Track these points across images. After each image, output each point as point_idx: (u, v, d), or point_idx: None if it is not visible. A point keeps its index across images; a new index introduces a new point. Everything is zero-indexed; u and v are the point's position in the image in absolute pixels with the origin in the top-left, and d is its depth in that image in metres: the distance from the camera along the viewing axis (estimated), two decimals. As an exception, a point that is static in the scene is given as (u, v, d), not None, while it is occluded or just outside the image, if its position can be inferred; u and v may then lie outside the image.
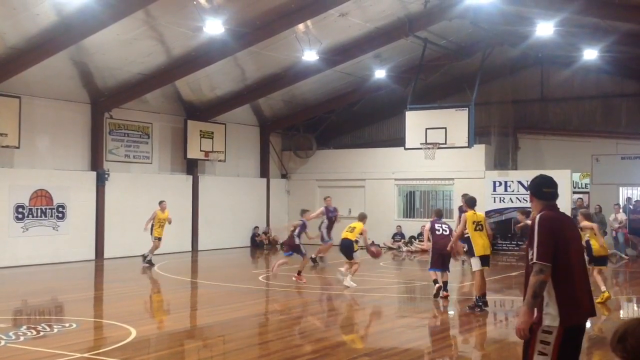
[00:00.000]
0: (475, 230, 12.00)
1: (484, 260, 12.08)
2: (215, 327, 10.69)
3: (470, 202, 12.45)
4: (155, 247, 19.04)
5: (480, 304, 11.92)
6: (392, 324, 11.28)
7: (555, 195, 5.21)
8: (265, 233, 26.10)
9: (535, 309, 4.91)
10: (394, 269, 20.13)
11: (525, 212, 15.28)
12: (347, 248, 14.75)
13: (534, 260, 4.85)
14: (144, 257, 18.89)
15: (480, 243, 12.00)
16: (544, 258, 4.88)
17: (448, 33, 21.27)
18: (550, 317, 4.86)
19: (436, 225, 13.29)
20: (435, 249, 13.22)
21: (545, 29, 18.35)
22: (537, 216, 5.05)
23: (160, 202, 19.13)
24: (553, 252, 4.88)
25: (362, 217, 15.29)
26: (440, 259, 13.05)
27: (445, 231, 13.27)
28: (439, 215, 13.94)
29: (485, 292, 12.08)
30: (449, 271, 13.39)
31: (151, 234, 18.93)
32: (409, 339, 10.16)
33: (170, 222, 19.09)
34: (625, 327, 2.73)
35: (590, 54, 20.72)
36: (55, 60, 17.77)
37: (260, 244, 25.56)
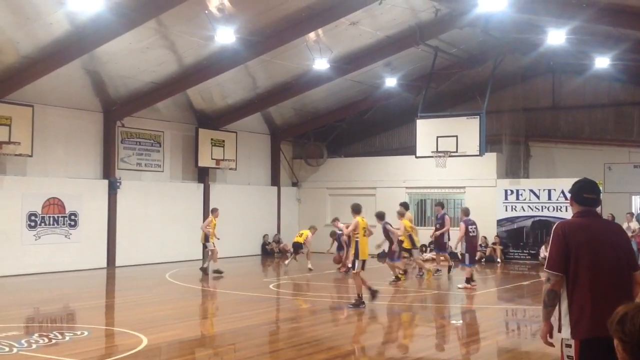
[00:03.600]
0: (364, 235, 13.08)
1: (365, 264, 13.23)
2: (227, 335, 10.69)
3: (355, 209, 13.40)
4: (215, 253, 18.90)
5: (363, 301, 12.91)
6: (404, 333, 11.24)
7: (595, 202, 5.03)
8: (276, 242, 26.09)
9: (556, 320, 4.83)
10: (405, 278, 20.03)
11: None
12: (296, 249, 20.19)
13: (544, 269, 4.80)
14: (207, 269, 18.83)
15: (365, 248, 13.13)
16: (551, 266, 4.83)
17: (459, 41, 21.26)
18: (565, 328, 4.76)
19: (470, 227, 15.85)
20: (472, 246, 15.84)
21: (556, 37, 18.30)
22: (556, 223, 4.99)
23: (215, 210, 19.58)
24: (564, 260, 4.76)
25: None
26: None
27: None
28: (468, 214, 16.40)
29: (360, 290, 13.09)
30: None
31: (207, 241, 18.86)
32: (420, 348, 10.12)
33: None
34: (625, 311, 2.76)
35: (602, 62, 20.63)
36: (68, 69, 17.90)
37: (271, 252, 25.55)
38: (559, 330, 4.88)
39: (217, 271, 18.52)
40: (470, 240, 16.05)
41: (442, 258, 19.38)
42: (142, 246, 20.75)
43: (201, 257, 23.25)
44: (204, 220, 23.56)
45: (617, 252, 4.91)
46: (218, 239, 19.11)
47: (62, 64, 17.21)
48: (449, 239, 19.01)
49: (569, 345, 4.73)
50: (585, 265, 4.75)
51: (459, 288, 15.72)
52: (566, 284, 4.79)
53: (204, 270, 18.73)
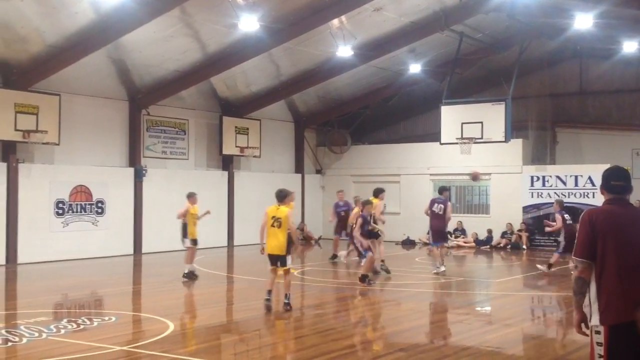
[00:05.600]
0: (272, 226, 11.23)
1: (270, 258, 11.34)
2: (251, 321, 10.77)
3: (279, 196, 11.45)
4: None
5: (287, 301, 11.23)
6: (428, 320, 11.23)
7: (625, 189, 4.99)
8: (300, 229, 26.15)
9: (586, 308, 4.82)
10: (430, 265, 20.01)
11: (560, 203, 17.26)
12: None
13: (572, 256, 4.80)
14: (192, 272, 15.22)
15: (270, 241, 11.25)
16: (578, 253, 4.85)
17: (484, 26, 21.04)
18: (595, 315, 4.75)
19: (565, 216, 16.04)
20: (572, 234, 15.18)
21: (584, 21, 18.03)
22: (584, 211, 4.99)
23: (191, 195, 15.46)
24: (591, 248, 4.77)
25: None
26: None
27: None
28: (563, 205, 16.63)
29: (271, 289, 11.37)
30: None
31: (185, 236, 15.19)
32: (445, 335, 10.11)
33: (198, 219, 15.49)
34: None
35: (630, 47, 20.32)
36: (93, 58, 18.05)
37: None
38: (589, 319, 4.87)
39: (189, 275, 14.91)
40: (569, 228, 15.98)
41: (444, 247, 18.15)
42: (167, 233, 20.88)
43: (226, 244, 23.45)
44: (227, 208, 23.72)
45: None
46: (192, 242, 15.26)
47: (88, 53, 17.35)
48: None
49: (598, 332, 4.72)
50: (612, 252, 4.74)
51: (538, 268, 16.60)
52: (595, 271, 4.78)
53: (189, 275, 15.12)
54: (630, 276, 4.71)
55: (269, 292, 11.32)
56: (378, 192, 16.60)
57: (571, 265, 18.37)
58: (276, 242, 11.21)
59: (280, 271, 11.39)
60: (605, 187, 5.02)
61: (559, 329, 10.65)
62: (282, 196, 11.47)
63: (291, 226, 11.35)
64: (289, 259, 11.33)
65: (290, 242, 11.33)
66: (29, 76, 17.63)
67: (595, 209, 4.97)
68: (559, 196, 22.64)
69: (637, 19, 18.08)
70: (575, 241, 4.92)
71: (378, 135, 28.42)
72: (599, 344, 4.71)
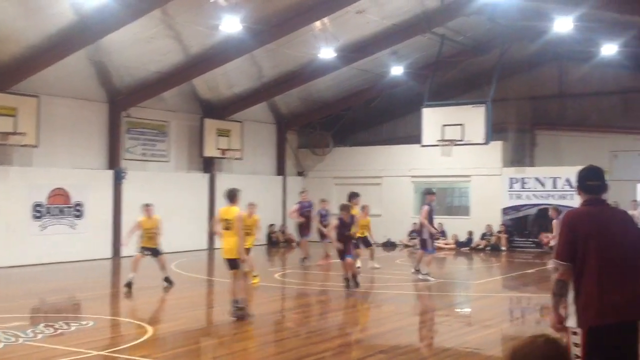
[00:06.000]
0: (225, 229, 10.68)
1: (228, 263, 10.81)
2: (231, 325, 10.71)
3: (229, 196, 10.84)
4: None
5: (238, 307, 10.60)
6: (409, 321, 11.25)
7: (602, 188, 4.99)
8: (282, 231, 26.11)
9: (564, 310, 4.83)
10: (411, 266, 20.05)
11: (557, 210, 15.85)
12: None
13: (552, 258, 4.82)
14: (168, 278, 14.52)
15: (223, 245, 10.80)
16: (559, 256, 4.84)
17: (465, 29, 21.15)
18: (572, 317, 4.76)
19: None
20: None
21: (563, 24, 18.17)
22: (564, 212, 5.02)
23: (146, 207, 14.59)
24: (571, 250, 4.76)
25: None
26: None
27: None
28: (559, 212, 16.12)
29: (235, 297, 10.64)
30: None
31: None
32: (425, 336, 10.13)
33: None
34: (515, 349, 2.67)
35: (609, 49, 20.50)
36: (73, 60, 17.89)
37: (276, 242, 25.57)
38: (566, 320, 4.88)
39: (127, 285, 13.80)
40: None
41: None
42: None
43: (206, 248, 23.32)
44: (208, 211, 23.54)
45: (625, 239, 4.89)
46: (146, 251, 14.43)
47: (67, 54, 17.19)
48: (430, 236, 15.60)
49: (575, 333, 4.73)
50: (592, 253, 4.73)
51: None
52: (574, 273, 4.78)
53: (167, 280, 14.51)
54: (610, 278, 4.71)
55: (235, 301, 10.65)
56: (351, 197, 15.82)
57: (550, 266, 18.52)
58: (228, 245, 10.62)
59: (236, 273, 10.74)
60: (582, 187, 5.02)
61: (537, 329, 10.71)
62: (232, 196, 10.76)
63: (240, 229, 10.45)
64: (242, 263, 10.75)
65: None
66: (7, 77, 17.41)
67: (574, 211, 4.98)
68: (538, 198, 22.85)
69: (616, 22, 18.26)
70: (556, 243, 4.93)
71: (360, 137, 28.46)
72: (576, 344, 4.72)
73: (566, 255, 4.79)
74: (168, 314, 12.34)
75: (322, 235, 18.44)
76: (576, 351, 4.71)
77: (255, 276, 14.51)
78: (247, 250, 13.48)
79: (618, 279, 4.72)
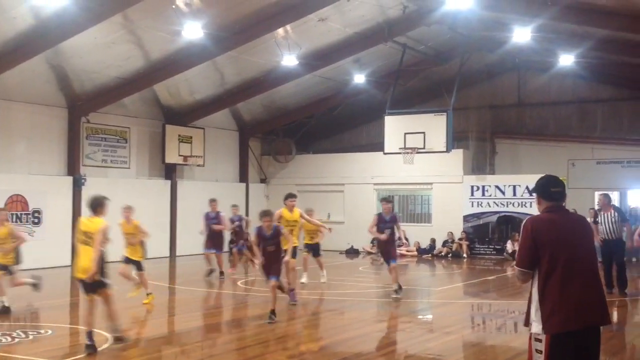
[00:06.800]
0: (83, 243, 8.88)
1: (84, 285, 8.90)
2: (194, 332, 10.63)
3: (92, 205, 9.11)
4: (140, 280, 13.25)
5: (117, 335, 9.24)
6: (371, 328, 11.29)
7: (562, 195, 5.03)
8: (244, 239, 25.92)
9: (526, 316, 4.91)
10: (373, 274, 20.16)
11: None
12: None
13: (513, 265, 4.88)
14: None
15: (79, 263, 8.91)
16: (520, 263, 4.89)
17: (427, 38, 21.40)
18: (537, 324, 4.78)
19: None
20: None
21: (522, 35, 18.52)
22: (524, 220, 5.01)
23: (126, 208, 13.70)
24: (533, 256, 4.80)
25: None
26: None
27: None
28: None
29: (90, 330, 8.71)
30: None
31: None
32: (387, 343, 10.18)
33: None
34: None
35: (567, 60, 20.95)
36: (31, 64, 17.61)
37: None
38: (526, 324, 4.94)
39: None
40: None
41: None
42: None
43: (168, 255, 23.08)
44: (170, 218, 23.33)
45: (587, 246, 5.00)
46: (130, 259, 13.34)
47: (26, 58, 16.92)
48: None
49: (539, 340, 4.75)
50: (555, 260, 4.77)
51: None
52: (537, 280, 4.81)
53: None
54: (573, 284, 4.75)
55: (89, 333, 8.68)
56: (286, 198, 13.81)
57: (510, 273, 18.78)
58: (85, 263, 8.74)
59: (98, 297, 8.92)
60: (544, 195, 5.03)
61: (498, 336, 10.85)
62: (96, 205, 8.94)
63: (99, 245, 8.68)
64: (104, 280, 8.91)
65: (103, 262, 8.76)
66: (-37, 81, 17.09)
67: (536, 218, 4.98)
68: (498, 205, 23.18)
69: (574, 33, 18.65)
70: (518, 250, 4.96)
71: (323, 145, 28.54)
72: (538, 351, 4.75)
73: (528, 263, 4.83)
74: (128, 322, 12.16)
75: (232, 242, 18.69)
76: (538, 358, 4.75)
77: (149, 294, 12.87)
78: (138, 263, 12.78)
79: (581, 285, 4.77)
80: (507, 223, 23.27)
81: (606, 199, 14.72)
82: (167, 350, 9.59)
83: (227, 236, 18.85)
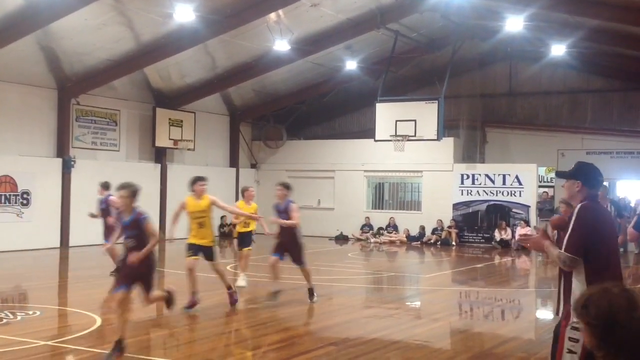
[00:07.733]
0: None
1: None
2: (182, 315, 10.63)
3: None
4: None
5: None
6: (359, 314, 11.34)
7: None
8: (233, 224, 25.93)
9: (564, 306, 4.80)
10: (362, 260, 20.24)
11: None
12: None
13: (561, 250, 4.70)
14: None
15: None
16: (572, 250, 4.72)
17: (419, 26, 21.36)
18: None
19: None
20: None
21: (514, 24, 18.53)
22: (579, 206, 4.81)
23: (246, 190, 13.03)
24: (587, 245, 4.70)
25: None
26: None
27: None
28: None
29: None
30: None
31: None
32: (375, 329, 10.22)
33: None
34: (588, 295, 2.80)
35: (558, 50, 20.99)
36: (21, 45, 17.46)
37: (229, 234, 25.43)
38: (557, 313, 4.90)
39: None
40: None
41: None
42: (96, 226, 20.42)
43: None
44: (160, 202, 23.22)
45: (616, 239, 5.10)
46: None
47: (16, 38, 16.78)
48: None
49: (576, 329, 4.55)
50: (612, 253, 4.83)
51: None
52: (585, 270, 4.71)
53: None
54: (617, 272, 4.79)
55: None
56: (192, 182, 11.61)
57: (497, 261, 18.85)
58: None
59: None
60: (591, 182, 4.93)
61: (485, 323, 10.93)
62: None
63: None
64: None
65: None
66: (-49, 61, 16.94)
67: (594, 207, 4.87)
68: (487, 194, 23.26)
69: (566, 22, 18.68)
70: (568, 236, 4.76)
71: (313, 131, 28.51)
72: (573, 339, 4.62)
73: (581, 251, 4.70)
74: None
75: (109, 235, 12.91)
76: (571, 346, 4.64)
77: None
78: None
79: (620, 274, 4.87)
80: (496, 212, 23.39)
81: (604, 191, 14.62)
82: (155, 333, 9.59)
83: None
